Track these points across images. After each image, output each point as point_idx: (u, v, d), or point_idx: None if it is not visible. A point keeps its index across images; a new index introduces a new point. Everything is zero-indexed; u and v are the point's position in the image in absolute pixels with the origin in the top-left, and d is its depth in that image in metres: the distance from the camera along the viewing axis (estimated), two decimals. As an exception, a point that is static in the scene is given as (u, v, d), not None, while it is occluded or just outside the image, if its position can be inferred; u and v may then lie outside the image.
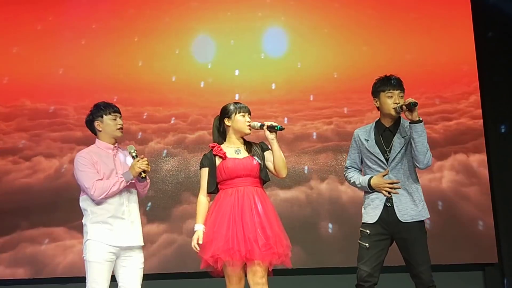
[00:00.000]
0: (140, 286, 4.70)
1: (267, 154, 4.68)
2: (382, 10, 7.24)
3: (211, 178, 4.62)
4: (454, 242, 6.64)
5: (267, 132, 4.54)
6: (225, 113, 4.70)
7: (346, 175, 4.80)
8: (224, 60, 7.18)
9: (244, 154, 4.67)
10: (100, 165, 4.58)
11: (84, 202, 4.67)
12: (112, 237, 4.58)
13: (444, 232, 6.58)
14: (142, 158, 4.60)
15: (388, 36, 7.18)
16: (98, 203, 4.64)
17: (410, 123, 4.37)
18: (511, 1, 7.04)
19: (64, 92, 7.10)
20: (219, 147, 4.67)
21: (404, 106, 4.31)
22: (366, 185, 4.54)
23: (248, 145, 4.74)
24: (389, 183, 4.45)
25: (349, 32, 7.21)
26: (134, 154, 4.62)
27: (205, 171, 4.66)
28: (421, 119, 4.34)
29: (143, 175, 4.57)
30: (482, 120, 6.92)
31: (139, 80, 7.14)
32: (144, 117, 7.06)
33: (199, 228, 4.52)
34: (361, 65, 7.04)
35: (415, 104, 4.25)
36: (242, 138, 4.73)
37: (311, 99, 7.10)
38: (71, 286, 6.53)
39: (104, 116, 4.70)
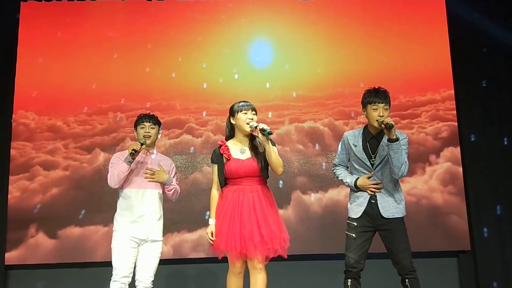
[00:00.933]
0: (153, 272, 5.01)
1: None
2: (368, 24, 7.36)
3: (221, 176, 4.75)
4: (432, 232, 6.80)
5: (260, 134, 4.56)
6: (230, 112, 4.81)
7: (334, 171, 4.95)
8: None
9: (248, 154, 4.74)
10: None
11: (118, 199, 5.14)
12: (132, 230, 4.95)
13: (423, 223, 6.78)
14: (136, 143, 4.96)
15: (372, 47, 7.30)
16: (125, 200, 5.06)
17: (387, 140, 4.52)
18: (483, 15, 7.24)
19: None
20: (226, 147, 4.76)
21: (383, 125, 4.48)
22: (353, 185, 4.72)
23: (254, 143, 4.80)
24: (373, 184, 4.65)
25: (330, 41, 7.34)
26: (141, 142, 4.97)
27: (215, 168, 4.80)
28: (398, 137, 4.49)
29: (133, 153, 4.84)
30: (456, 122, 7.11)
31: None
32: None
33: (212, 222, 4.71)
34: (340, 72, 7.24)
35: (391, 126, 4.42)
36: (250, 135, 4.80)
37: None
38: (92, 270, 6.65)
39: (137, 127, 5.16)
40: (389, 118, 4.53)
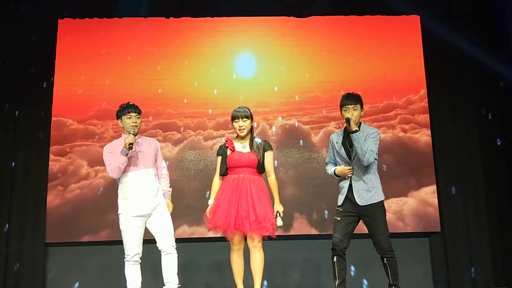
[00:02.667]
0: (171, 238, 5.05)
1: (267, 154, 5.17)
2: (353, 39, 7.60)
3: (223, 165, 5.13)
4: (408, 216, 7.08)
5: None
6: (231, 118, 5.25)
7: (326, 168, 5.29)
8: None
9: (248, 149, 5.14)
10: (118, 154, 5.03)
11: (118, 184, 5.20)
12: (135, 209, 5.00)
13: (400, 208, 7.08)
14: (130, 136, 4.99)
15: (356, 60, 7.55)
16: (123, 184, 5.09)
17: (349, 133, 4.87)
18: (452, 31, 7.45)
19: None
20: (231, 141, 5.18)
21: (345, 120, 4.88)
22: (333, 173, 5.08)
23: (253, 142, 5.17)
24: (347, 169, 4.92)
25: (320, 53, 7.56)
26: (132, 133, 5.02)
27: (219, 159, 5.20)
28: (357, 129, 4.81)
29: (131, 147, 4.92)
30: (428, 119, 7.40)
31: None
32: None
33: (211, 203, 5.08)
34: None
35: (347, 119, 4.82)
36: (249, 135, 5.18)
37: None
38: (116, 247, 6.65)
39: (123, 116, 5.16)
40: (350, 114, 4.88)
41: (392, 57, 7.57)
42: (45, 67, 7.39)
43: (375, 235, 4.93)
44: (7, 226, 6.96)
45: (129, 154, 5.00)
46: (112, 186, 6.65)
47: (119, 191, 5.15)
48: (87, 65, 7.42)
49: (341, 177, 5.08)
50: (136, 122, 5.10)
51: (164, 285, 5.06)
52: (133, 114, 5.11)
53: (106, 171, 5.17)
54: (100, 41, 7.50)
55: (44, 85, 7.34)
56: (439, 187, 7.27)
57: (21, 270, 6.87)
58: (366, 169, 4.94)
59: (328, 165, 5.26)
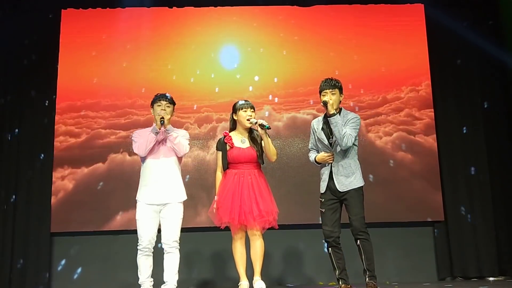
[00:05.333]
0: (175, 233, 4.96)
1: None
2: (357, 29, 7.42)
3: (224, 160, 5.13)
4: (412, 205, 6.97)
5: (259, 128, 5.03)
6: (233, 109, 5.23)
7: (308, 154, 5.19)
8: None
9: (247, 144, 5.15)
10: (148, 133, 5.03)
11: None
12: (150, 197, 4.95)
13: (404, 198, 6.97)
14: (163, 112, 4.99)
15: (359, 49, 7.36)
16: (142, 171, 5.06)
17: (327, 117, 4.84)
18: (457, 20, 7.37)
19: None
20: (230, 137, 5.19)
21: (322, 103, 4.87)
22: (314, 161, 5.04)
23: (252, 135, 5.20)
24: (326, 156, 4.88)
25: (324, 43, 7.39)
26: (161, 122, 4.94)
27: (219, 154, 5.18)
28: (334, 113, 4.79)
29: (162, 120, 4.89)
30: (432, 109, 7.29)
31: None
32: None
33: (217, 198, 5.10)
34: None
35: (324, 102, 4.82)
36: (249, 128, 5.19)
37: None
38: (122, 237, 6.77)
39: (154, 105, 5.14)
40: (327, 97, 4.86)
41: (395, 47, 7.45)
42: (49, 57, 7.33)
43: (350, 216, 4.89)
44: (12, 215, 6.93)
45: (159, 133, 4.97)
46: (117, 176, 7.03)
47: (140, 177, 5.12)
48: (90, 55, 7.36)
49: (322, 164, 5.04)
50: (165, 110, 5.06)
51: (164, 282, 5.02)
52: (163, 102, 5.09)
53: (133, 150, 5.15)
54: (103, 31, 7.44)
55: (48, 75, 7.27)
56: (442, 175, 7.19)
57: (26, 260, 6.85)
58: (345, 154, 4.91)
59: (310, 151, 5.21)
